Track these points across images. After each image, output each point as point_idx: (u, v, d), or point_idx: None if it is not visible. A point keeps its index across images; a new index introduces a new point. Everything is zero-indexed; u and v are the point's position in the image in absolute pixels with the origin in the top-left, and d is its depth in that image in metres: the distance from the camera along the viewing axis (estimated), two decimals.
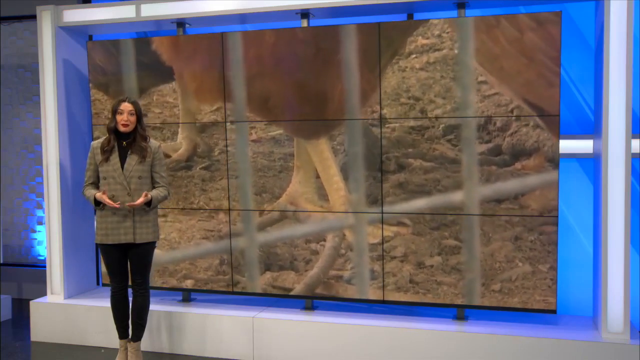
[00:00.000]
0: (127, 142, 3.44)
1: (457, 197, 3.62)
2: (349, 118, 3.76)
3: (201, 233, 4.12)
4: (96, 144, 3.49)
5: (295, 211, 3.91)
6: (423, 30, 3.59)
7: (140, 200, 3.35)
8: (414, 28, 3.62)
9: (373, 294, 3.81)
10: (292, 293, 3.97)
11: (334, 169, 3.83)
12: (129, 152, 3.42)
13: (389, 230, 3.75)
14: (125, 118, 3.39)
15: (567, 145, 3.75)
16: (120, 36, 4.41)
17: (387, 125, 3.70)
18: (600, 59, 3.45)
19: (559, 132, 3.45)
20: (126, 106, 3.40)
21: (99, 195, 3.34)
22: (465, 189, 3.61)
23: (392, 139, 3.70)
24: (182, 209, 4.14)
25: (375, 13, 3.83)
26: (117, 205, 3.32)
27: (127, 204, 3.35)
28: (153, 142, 3.52)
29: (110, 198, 3.34)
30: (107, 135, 3.45)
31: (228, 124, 3.98)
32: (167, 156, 4.09)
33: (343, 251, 3.85)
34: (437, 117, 3.61)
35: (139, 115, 3.44)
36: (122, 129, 3.40)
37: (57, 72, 4.25)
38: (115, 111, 3.41)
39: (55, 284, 4.32)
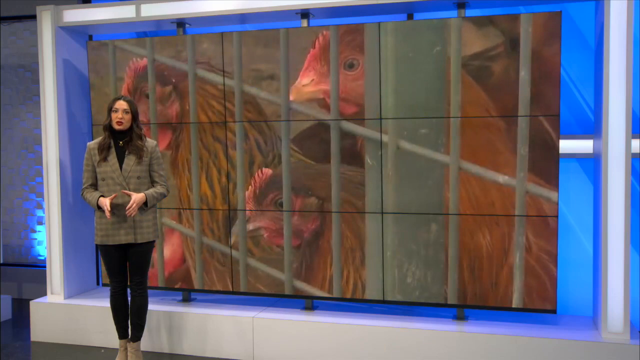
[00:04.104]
0: (123, 141, 3.43)
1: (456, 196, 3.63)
2: None
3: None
4: (93, 144, 3.48)
5: (296, 211, 3.92)
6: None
7: (134, 205, 3.32)
8: None
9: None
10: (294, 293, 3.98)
11: None
12: (126, 152, 3.42)
13: (388, 230, 3.75)
14: (119, 116, 3.39)
15: (567, 145, 3.75)
16: (121, 36, 4.42)
17: None
18: (600, 59, 3.45)
19: (559, 132, 3.45)
20: (121, 104, 3.40)
21: (102, 200, 3.34)
22: (465, 189, 3.61)
23: None
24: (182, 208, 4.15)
25: (376, 13, 3.82)
26: (108, 217, 3.31)
27: (127, 212, 3.33)
28: (150, 141, 3.52)
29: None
30: (104, 133, 3.45)
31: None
32: None
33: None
34: (436, 117, 3.62)
35: (134, 114, 3.44)
36: (116, 127, 3.39)
37: (57, 72, 4.25)
38: (110, 109, 3.41)
39: (55, 284, 4.32)
